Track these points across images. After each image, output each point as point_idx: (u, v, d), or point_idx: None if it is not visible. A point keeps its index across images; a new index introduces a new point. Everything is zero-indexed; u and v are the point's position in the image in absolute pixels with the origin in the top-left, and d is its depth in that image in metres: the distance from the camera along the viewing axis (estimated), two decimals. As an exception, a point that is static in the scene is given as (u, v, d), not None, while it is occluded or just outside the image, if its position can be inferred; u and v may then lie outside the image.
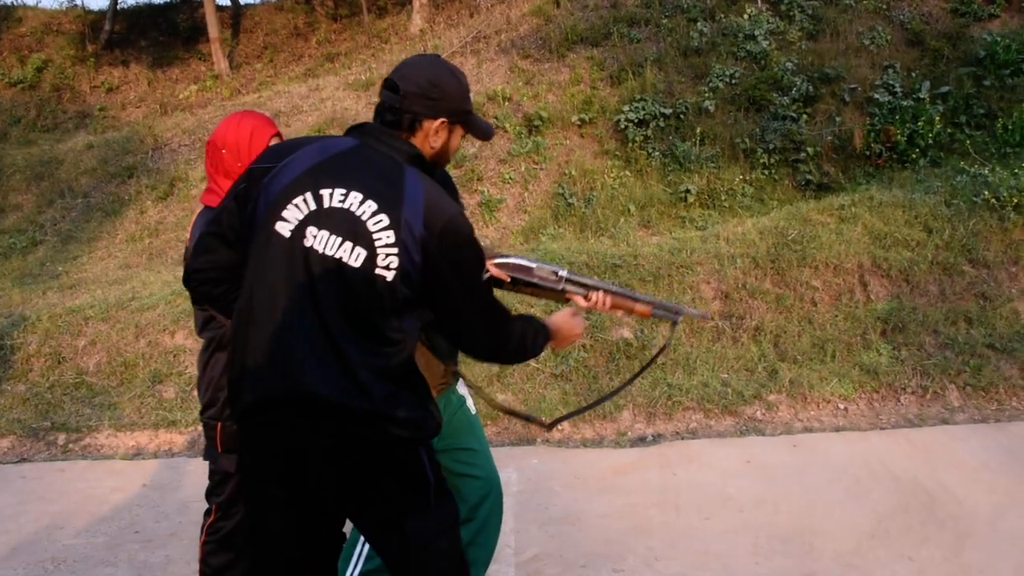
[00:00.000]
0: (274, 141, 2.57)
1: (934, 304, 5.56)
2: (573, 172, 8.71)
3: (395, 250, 1.88)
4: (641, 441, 4.78)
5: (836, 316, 5.54)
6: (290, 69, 15.36)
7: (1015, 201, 5.90)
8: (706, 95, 9.16)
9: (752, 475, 4.19)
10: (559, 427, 4.97)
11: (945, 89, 8.61)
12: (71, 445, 5.13)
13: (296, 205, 1.92)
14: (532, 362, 5.36)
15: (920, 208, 6.16)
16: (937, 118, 8.01)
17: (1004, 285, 5.64)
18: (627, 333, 5.52)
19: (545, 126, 9.35)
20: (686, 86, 9.45)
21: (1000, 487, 3.89)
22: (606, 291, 2.50)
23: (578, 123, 9.33)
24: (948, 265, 5.72)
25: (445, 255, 1.94)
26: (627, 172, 8.70)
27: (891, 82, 8.82)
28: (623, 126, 9.01)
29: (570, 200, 8.35)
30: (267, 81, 14.75)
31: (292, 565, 2.04)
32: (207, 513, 2.77)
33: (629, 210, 8.15)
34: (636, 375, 2.87)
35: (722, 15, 10.32)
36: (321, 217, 1.91)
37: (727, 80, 9.28)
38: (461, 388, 2.75)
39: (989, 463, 4.14)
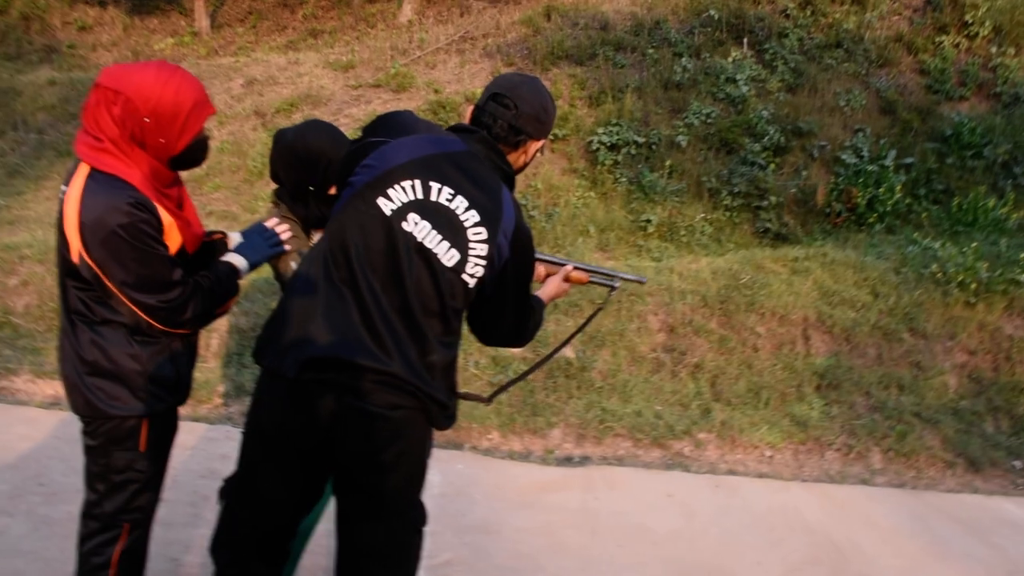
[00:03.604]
0: (208, 122, 2.26)
1: (870, 366, 5.67)
2: (539, 185, 8.72)
3: (484, 262, 2.04)
4: (568, 461, 4.78)
5: (775, 365, 5.62)
6: (272, 38, 15.13)
7: (960, 278, 6.05)
8: (681, 129, 9.25)
9: (672, 509, 4.22)
10: (488, 436, 4.95)
11: (909, 160, 8.83)
12: (-14, 384, 4.95)
13: (403, 187, 2.00)
14: (471, 368, 5.34)
15: (870, 271, 6.29)
16: (898, 187, 8.20)
17: (939, 357, 5.78)
18: (569, 352, 5.52)
19: (518, 135, 9.33)
20: (662, 118, 9.54)
21: (908, 552, 3.98)
22: (537, 260, 2.61)
23: (551, 138, 9.34)
24: (889, 331, 5.84)
25: (515, 266, 2.13)
26: (592, 193, 8.73)
27: (860, 145, 9.01)
28: (595, 147, 9.05)
29: (532, 212, 8.35)
30: (247, 46, 14.52)
31: (266, 519, 2.16)
32: None
33: (589, 231, 8.18)
34: (576, 332, 3.01)
35: (707, 54, 10.45)
36: (427, 209, 2.00)
37: (703, 118, 9.39)
38: None
39: (901, 528, 4.23)
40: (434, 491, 4.08)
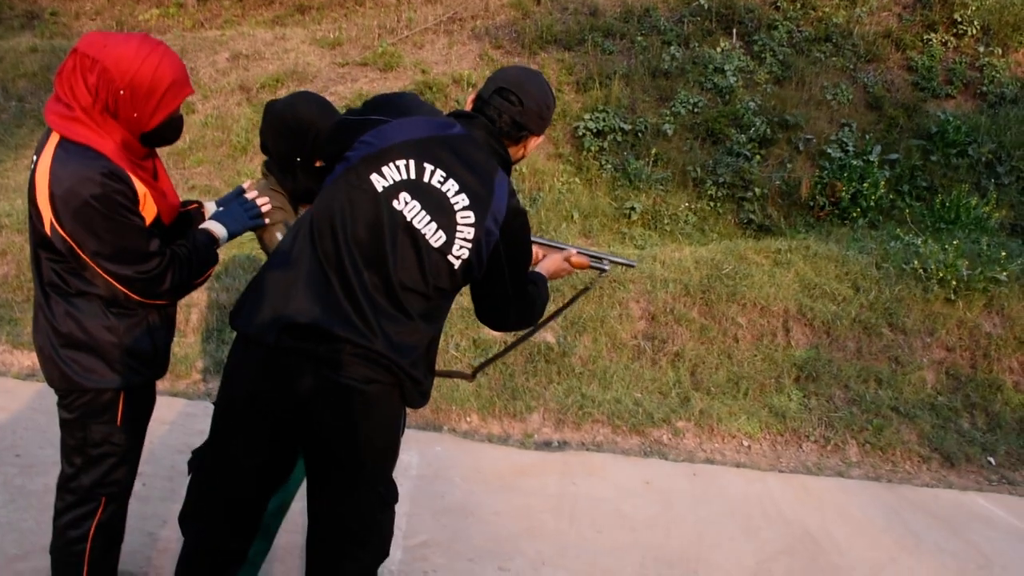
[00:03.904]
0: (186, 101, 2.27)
1: (849, 360, 5.71)
2: (524, 169, 8.68)
3: (470, 245, 2.06)
4: (546, 446, 4.78)
5: (755, 356, 5.64)
6: (259, 13, 14.93)
7: (940, 275, 6.09)
8: (667, 118, 9.23)
9: (649, 497, 4.23)
10: (467, 418, 4.94)
11: (894, 156, 8.86)
12: (-41, 354, 4.88)
13: (397, 166, 2.03)
14: (452, 351, 5.32)
15: (852, 265, 6.32)
16: (882, 182, 8.22)
17: (917, 353, 5.82)
18: (550, 338, 5.52)
19: (505, 118, 9.28)
20: (649, 106, 9.51)
21: (882, 544, 4.01)
22: (538, 244, 2.68)
23: (539, 124, 9.27)
24: (869, 325, 5.87)
25: (508, 247, 2.13)
26: (577, 179, 8.71)
27: (845, 140, 9.04)
28: (581, 134, 9.01)
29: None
30: (233, 20, 14.32)
31: (236, 489, 2.14)
32: None
33: (573, 217, 8.16)
34: (560, 310, 2.99)
35: (696, 44, 10.42)
36: (418, 189, 2.03)
37: (690, 107, 9.37)
38: None
39: (875, 520, 4.26)
40: (412, 472, 4.07)
